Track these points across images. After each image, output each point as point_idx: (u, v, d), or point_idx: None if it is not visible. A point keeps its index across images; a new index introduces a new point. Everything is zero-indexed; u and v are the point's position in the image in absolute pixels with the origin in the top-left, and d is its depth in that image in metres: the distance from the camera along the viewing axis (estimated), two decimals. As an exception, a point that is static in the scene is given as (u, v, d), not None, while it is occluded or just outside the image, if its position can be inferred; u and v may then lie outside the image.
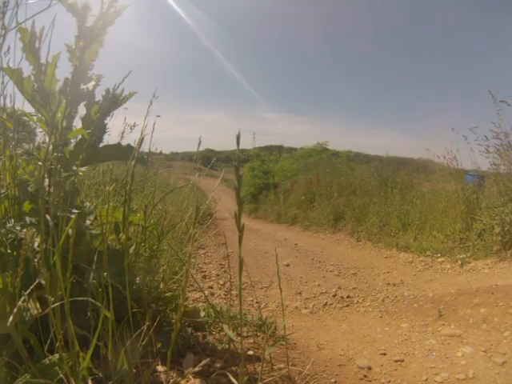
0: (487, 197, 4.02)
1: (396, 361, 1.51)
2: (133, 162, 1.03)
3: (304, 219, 7.24)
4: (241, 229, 0.63)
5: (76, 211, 1.03)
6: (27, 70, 1.01)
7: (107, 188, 1.28)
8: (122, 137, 2.45)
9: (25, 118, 1.15)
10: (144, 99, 1.33)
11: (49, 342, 0.79)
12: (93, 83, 1.09)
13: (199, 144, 1.43)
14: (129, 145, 1.19)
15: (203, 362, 0.84)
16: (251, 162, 11.88)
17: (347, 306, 2.57)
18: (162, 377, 0.95)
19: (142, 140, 1.09)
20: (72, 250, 0.74)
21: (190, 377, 0.99)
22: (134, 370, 0.86)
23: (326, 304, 2.61)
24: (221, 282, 2.87)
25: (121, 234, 1.15)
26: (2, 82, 1.03)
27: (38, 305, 0.85)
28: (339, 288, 2.97)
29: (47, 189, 1.03)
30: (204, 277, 3.03)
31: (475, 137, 4.16)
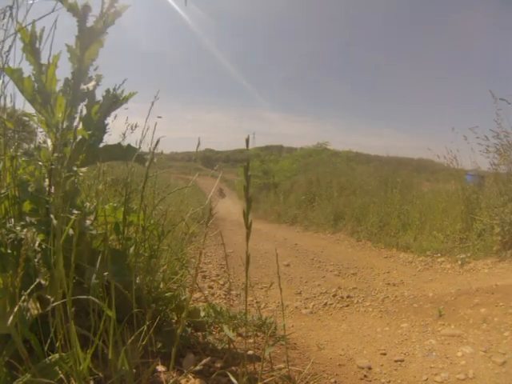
0: (487, 197, 4.02)
1: (396, 361, 1.51)
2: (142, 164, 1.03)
3: (304, 219, 7.25)
4: (249, 226, 0.64)
5: (76, 211, 1.03)
6: (27, 70, 1.02)
7: (99, 187, 1.28)
8: (124, 137, 2.45)
9: (25, 118, 1.15)
10: (144, 99, 1.33)
11: (49, 341, 0.79)
12: (93, 83, 1.09)
13: (198, 145, 1.44)
14: (129, 145, 1.19)
15: (204, 361, 0.84)
16: (251, 162, 11.87)
17: (347, 305, 2.57)
18: (162, 377, 0.95)
19: (142, 140, 1.09)
20: (74, 250, 0.74)
21: (190, 377, 0.99)
22: (134, 370, 0.86)
23: (326, 304, 2.61)
24: (221, 282, 2.87)
25: (109, 232, 1.15)
26: (3, 82, 1.03)
27: (38, 305, 0.85)
28: (339, 288, 2.97)
29: (47, 189, 1.03)
30: (204, 277, 3.04)
31: (475, 137, 4.17)
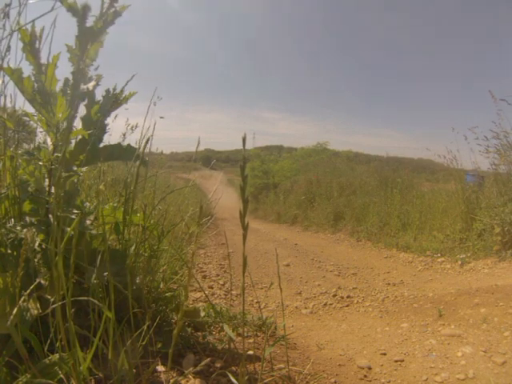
0: (487, 197, 4.02)
1: (396, 361, 1.50)
2: (137, 163, 1.03)
3: (304, 219, 7.25)
4: (245, 227, 0.64)
5: (76, 211, 1.03)
6: (27, 70, 1.02)
7: (100, 187, 1.29)
8: (124, 137, 2.46)
9: (25, 118, 1.15)
10: (145, 99, 1.33)
11: (49, 342, 0.79)
12: (93, 83, 1.09)
13: (198, 145, 1.44)
14: (129, 145, 1.19)
15: (204, 362, 0.84)
16: (251, 162, 11.89)
17: (347, 305, 2.57)
18: (162, 377, 0.95)
19: (146, 141, 1.09)
20: (74, 250, 0.74)
21: (190, 377, 0.99)
22: (134, 370, 0.86)
23: (326, 304, 2.61)
24: (221, 282, 2.87)
25: (109, 232, 1.15)
26: (3, 82, 1.03)
27: (38, 305, 0.85)
28: (339, 288, 2.98)
29: (47, 189, 1.03)
30: (204, 277, 3.04)
31: (475, 137, 4.18)
